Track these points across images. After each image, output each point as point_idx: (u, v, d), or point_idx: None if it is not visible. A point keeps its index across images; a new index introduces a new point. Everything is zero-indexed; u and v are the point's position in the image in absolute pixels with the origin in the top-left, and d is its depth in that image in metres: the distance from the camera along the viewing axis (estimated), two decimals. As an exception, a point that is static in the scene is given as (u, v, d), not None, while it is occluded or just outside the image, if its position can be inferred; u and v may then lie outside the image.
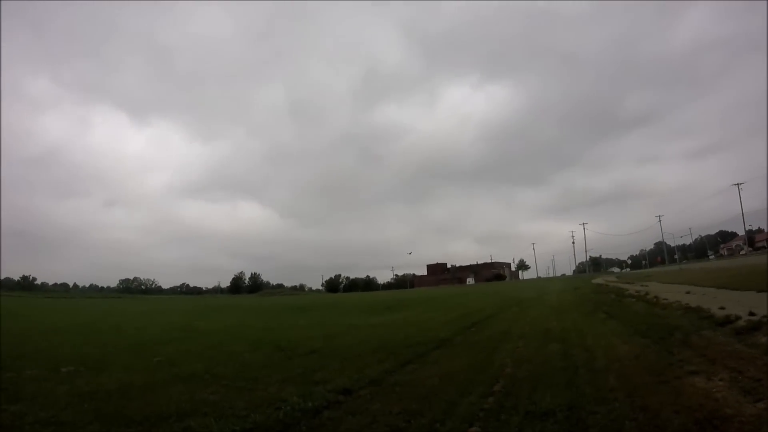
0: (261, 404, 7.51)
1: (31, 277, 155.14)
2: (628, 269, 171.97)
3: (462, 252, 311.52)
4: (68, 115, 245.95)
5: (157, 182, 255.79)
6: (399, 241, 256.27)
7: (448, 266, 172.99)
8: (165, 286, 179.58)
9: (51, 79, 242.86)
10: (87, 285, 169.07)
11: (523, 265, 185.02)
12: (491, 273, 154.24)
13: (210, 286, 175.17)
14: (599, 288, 42.94)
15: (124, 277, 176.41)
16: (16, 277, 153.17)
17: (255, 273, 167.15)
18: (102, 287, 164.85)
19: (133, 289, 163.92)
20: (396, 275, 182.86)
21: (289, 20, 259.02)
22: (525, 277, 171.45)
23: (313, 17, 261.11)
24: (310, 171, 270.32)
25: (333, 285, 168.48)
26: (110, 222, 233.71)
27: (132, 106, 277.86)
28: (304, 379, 9.47)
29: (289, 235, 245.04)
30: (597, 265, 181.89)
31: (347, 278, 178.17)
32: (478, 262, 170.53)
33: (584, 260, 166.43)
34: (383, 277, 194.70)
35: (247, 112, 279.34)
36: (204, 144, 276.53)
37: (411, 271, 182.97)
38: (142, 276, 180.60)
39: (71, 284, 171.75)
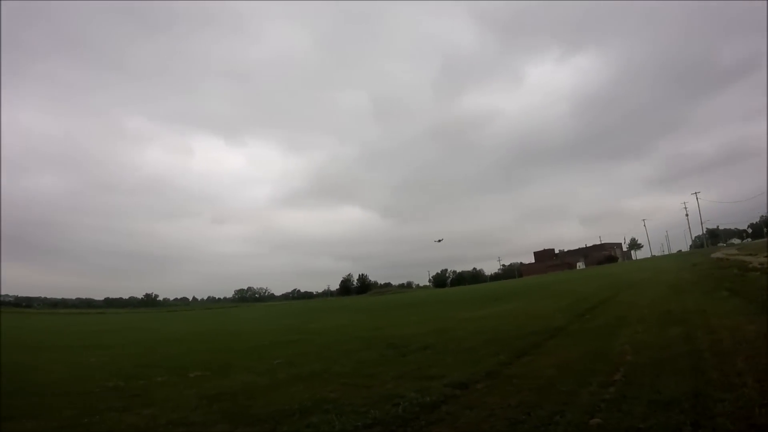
0: (379, 400, 7.72)
1: (153, 294, 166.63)
2: (750, 239, 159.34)
3: (569, 235, 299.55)
4: (170, 145, 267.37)
5: (260, 196, 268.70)
6: (502, 230, 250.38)
7: (556, 251, 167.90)
8: (277, 292, 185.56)
9: (147, 116, 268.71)
10: (205, 297, 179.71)
11: (635, 244, 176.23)
12: (602, 255, 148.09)
13: (320, 290, 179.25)
14: (719, 263, 40.10)
15: (238, 288, 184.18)
16: (140, 294, 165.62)
17: (363, 274, 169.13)
18: (219, 298, 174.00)
19: (247, 298, 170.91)
20: (503, 265, 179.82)
21: (358, 24, 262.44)
22: (638, 257, 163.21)
23: (381, 17, 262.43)
24: (403, 168, 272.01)
25: (440, 280, 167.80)
26: (220, 237, 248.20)
27: (226, 130, 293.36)
28: (419, 374, 9.63)
29: (392, 234, 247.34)
30: (715, 237, 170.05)
31: (454, 272, 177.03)
32: (587, 245, 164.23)
33: (700, 233, 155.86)
34: (490, 268, 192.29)
35: (334, 120, 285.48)
36: (299, 155, 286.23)
37: (518, 260, 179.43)
38: (255, 285, 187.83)
39: (190, 297, 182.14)
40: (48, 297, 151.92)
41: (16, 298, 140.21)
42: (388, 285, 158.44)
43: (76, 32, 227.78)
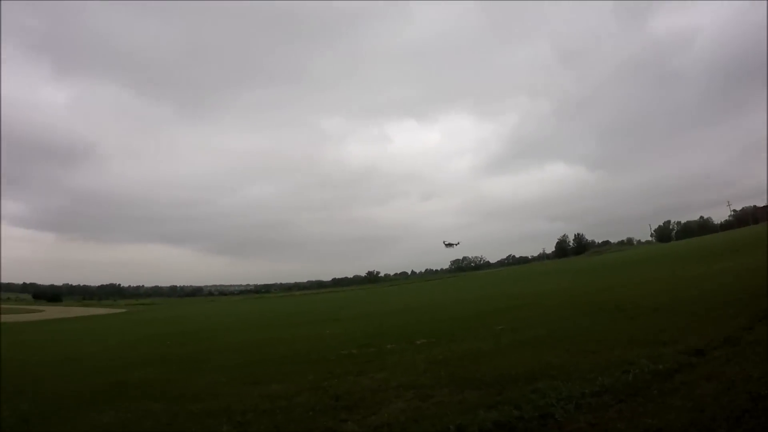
0: (607, 367, 7.52)
1: (375, 271, 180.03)
2: None
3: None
4: (368, 136, 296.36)
5: (461, 167, 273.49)
6: (727, 168, 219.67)
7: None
8: (492, 260, 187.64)
9: (342, 115, 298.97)
10: (422, 270, 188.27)
11: None
12: None
13: (535, 254, 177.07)
14: None
15: (454, 258, 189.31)
16: (363, 273, 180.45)
17: (578, 233, 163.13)
18: (435, 270, 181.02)
19: (464, 267, 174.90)
20: (734, 210, 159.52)
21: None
22: None
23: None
24: (602, 113, 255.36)
25: (664, 233, 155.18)
26: (431, 212, 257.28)
27: (416, 112, 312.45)
28: (650, 339, 9.24)
29: (602, 187, 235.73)
30: None
31: (678, 223, 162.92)
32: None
33: None
34: (719, 215, 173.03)
35: (520, 78, 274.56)
36: (491, 121, 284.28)
37: (751, 203, 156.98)
38: (470, 254, 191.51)
39: (409, 272, 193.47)
40: (283, 282, 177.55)
41: (255, 286, 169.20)
42: (606, 243, 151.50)
43: (265, 58, 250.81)
